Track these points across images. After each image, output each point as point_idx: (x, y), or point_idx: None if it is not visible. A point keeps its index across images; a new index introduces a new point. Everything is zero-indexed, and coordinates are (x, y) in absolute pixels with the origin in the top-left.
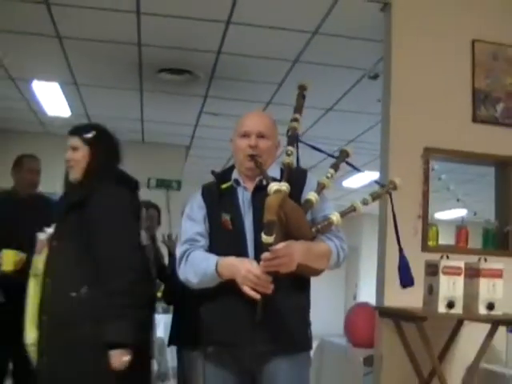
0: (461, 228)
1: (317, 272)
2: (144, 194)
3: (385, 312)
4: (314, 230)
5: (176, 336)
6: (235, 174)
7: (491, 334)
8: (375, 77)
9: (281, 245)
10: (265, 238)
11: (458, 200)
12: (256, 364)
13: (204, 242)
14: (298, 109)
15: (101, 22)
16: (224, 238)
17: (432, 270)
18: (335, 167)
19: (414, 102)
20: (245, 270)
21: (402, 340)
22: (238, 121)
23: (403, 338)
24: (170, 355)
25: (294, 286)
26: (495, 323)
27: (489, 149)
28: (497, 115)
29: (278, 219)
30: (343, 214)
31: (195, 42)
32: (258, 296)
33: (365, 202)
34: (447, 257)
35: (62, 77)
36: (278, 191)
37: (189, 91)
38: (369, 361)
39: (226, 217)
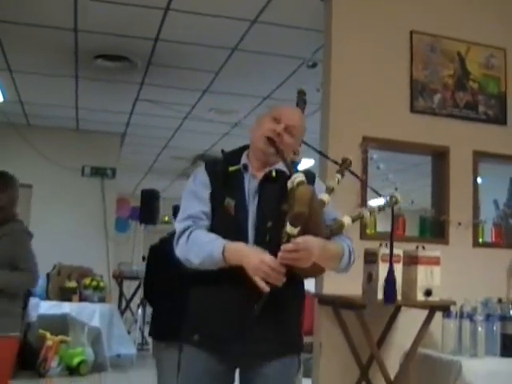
0: (398, 216)
1: (321, 272)
2: (78, 182)
3: (324, 300)
4: (327, 230)
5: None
6: (244, 159)
7: (429, 320)
8: (314, 66)
9: (301, 238)
10: (290, 229)
11: (396, 189)
12: (244, 362)
13: (207, 222)
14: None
15: (36, 7)
16: (224, 223)
17: (371, 258)
18: (341, 172)
19: (353, 91)
20: (259, 259)
21: (341, 327)
22: (276, 106)
23: (342, 324)
24: (107, 345)
25: (292, 287)
26: (432, 309)
27: (426, 139)
28: (434, 106)
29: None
30: (354, 219)
31: (133, 28)
32: (267, 288)
33: (371, 212)
34: (386, 245)
35: None
36: (302, 183)
37: (125, 78)
38: (308, 347)
39: (231, 202)
